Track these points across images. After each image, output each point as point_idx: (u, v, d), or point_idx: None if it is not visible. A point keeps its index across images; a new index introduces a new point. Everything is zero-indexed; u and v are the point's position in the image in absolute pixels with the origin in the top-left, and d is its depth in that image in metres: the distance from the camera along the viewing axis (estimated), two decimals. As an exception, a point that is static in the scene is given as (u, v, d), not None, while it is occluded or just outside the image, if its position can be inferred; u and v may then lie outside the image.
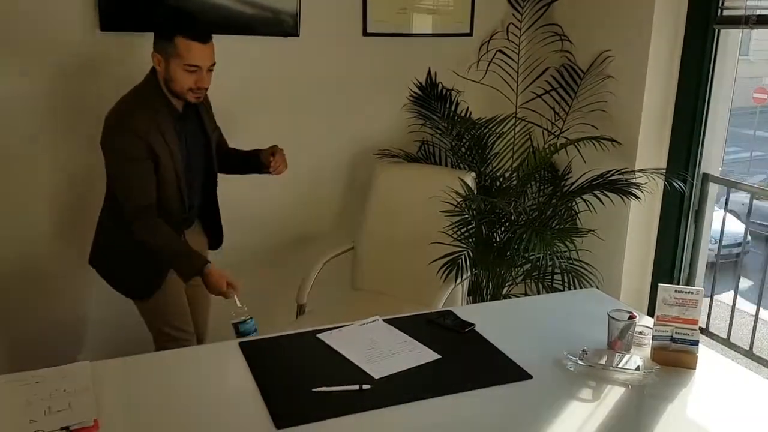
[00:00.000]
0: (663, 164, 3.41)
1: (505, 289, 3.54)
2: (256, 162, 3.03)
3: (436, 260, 3.17)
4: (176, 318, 2.95)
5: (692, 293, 2.25)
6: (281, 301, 3.48)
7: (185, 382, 2.15)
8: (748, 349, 3.37)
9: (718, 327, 3.50)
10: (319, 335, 2.38)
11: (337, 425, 1.94)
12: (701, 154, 3.34)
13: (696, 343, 2.23)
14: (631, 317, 2.29)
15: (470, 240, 3.30)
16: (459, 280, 3.19)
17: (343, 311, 2.61)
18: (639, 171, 3.30)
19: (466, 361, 2.25)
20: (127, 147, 2.63)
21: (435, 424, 1.97)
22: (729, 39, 3.23)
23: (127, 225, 2.72)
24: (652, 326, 2.29)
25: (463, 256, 3.18)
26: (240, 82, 3.42)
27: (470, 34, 3.86)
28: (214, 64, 2.68)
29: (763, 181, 12.63)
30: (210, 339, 3.20)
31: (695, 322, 2.24)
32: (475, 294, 3.59)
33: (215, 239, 3.09)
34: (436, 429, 1.95)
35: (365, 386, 2.06)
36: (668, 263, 3.48)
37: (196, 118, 2.84)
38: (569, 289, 3.26)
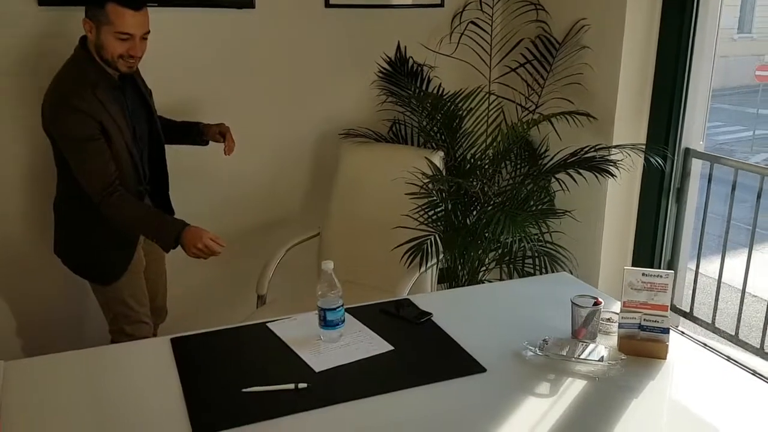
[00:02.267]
0: (642, 139, 3.29)
1: (480, 275, 3.44)
2: (194, 134, 2.99)
3: (399, 246, 3.07)
4: (135, 300, 2.90)
5: (661, 276, 2.15)
6: (242, 291, 3.40)
7: (102, 385, 2.04)
8: (733, 334, 3.25)
9: (704, 312, 3.39)
10: (270, 325, 2.31)
11: (263, 430, 1.83)
12: (682, 128, 3.22)
13: (666, 331, 2.13)
14: (596, 303, 2.18)
15: (438, 223, 3.19)
16: (424, 267, 3.09)
17: (307, 301, 2.47)
18: (615, 147, 3.18)
19: (417, 354, 2.16)
20: (77, 127, 2.57)
21: (372, 425, 1.86)
22: (709, 3, 3.09)
23: (89, 206, 2.67)
24: (618, 312, 2.18)
25: (429, 241, 3.07)
26: (191, 59, 3.29)
27: (441, 5, 3.71)
28: (148, 32, 2.60)
29: (766, 160, 12.49)
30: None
31: (665, 308, 2.15)
32: (451, 280, 3.48)
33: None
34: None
35: (301, 385, 1.95)
36: (649, 244, 3.38)
37: (133, 87, 2.76)
38: (543, 273, 3.17)
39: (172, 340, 2.23)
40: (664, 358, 2.11)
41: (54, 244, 2.89)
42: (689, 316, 3.38)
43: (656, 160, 3.14)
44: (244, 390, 1.95)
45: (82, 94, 2.54)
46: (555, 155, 3.37)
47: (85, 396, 1.98)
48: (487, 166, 3.43)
